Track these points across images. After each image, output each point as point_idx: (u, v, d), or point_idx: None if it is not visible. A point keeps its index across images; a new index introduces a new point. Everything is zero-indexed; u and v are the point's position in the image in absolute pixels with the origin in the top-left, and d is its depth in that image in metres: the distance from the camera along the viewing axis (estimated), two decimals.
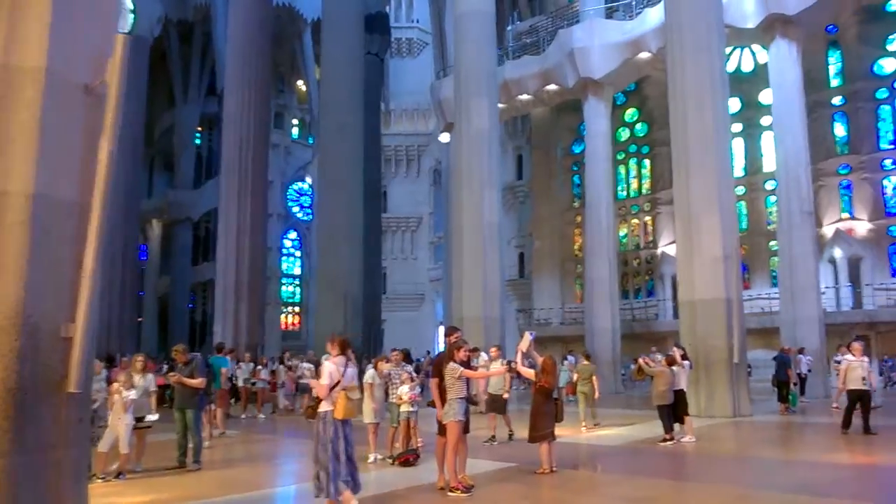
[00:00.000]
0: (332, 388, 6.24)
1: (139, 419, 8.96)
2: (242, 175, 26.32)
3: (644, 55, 23.91)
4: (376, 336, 27.47)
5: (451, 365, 7.16)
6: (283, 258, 44.09)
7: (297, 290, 44.55)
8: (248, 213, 26.09)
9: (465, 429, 7.35)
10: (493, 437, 11.11)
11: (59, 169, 4.62)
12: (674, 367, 11.26)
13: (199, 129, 45.10)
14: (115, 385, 8.62)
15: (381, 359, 10.07)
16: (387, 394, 9.69)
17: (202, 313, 42.35)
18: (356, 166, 23.39)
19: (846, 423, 11.61)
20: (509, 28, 30.54)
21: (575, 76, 24.94)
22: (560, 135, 33.39)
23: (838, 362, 14.15)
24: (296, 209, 45.19)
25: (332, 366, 6.30)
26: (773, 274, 26.44)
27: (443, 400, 7.25)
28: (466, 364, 7.51)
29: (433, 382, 7.53)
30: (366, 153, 27.67)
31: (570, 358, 22.42)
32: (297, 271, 44.64)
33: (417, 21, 44.45)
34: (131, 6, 36.44)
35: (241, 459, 10.76)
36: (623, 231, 32.41)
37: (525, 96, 27.37)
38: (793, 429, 13.55)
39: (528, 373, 8.35)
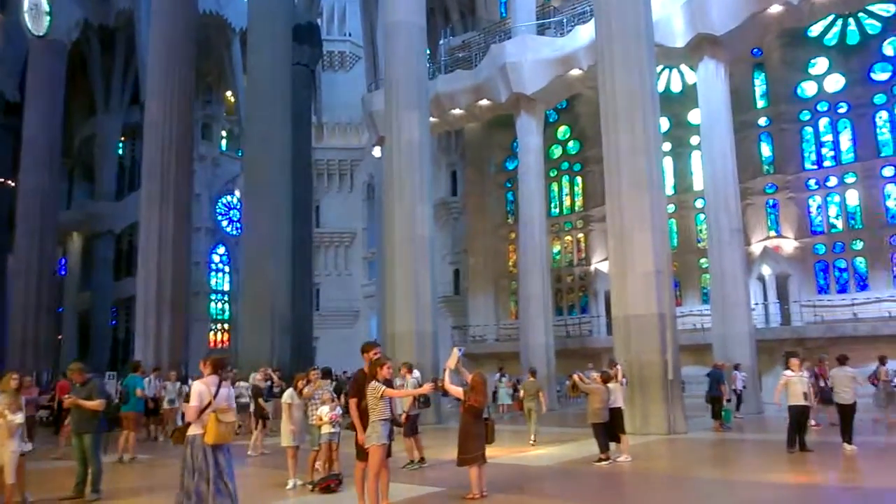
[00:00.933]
0: (202, 411, 5.66)
1: None
2: (165, 185, 25.12)
3: (575, 72, 24.10)
4: (307, 354, 26.55)
5: (374, 384, 6.60)
6: (212, 273, 42.59)
7: (227, 306, 43.06)
8: (170, 224, 24.87)
9: (388, 452, 6.83)
10: (415, 460, 10.50)
11: None
12: (609, 385, 10.99)
13: (123, 138, 43.27)
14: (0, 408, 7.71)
15: (301, 378, 9.39)
16: (306, 414, 9.06)
17: (125, 330, 40.36)
18: (283, 178, 22.63)
19: (791, 442, 11.24)
20: (441, 42, 30.41)
21: (507, 91, 24.93)
22: (493, 151, 33.38)
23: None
24: (224, 223, 43.76)
25: (202, 386, 5.73)
26: (704, 291, 26.91)
27: (364, 422, 6.71)
28: (389, 383, 6.98)
29: (352, 403, 6.98)
30: (295, 166, 26.91)
31: (507, 376, 22.19)
32: (227, 287, 43.17)
33: (350, 35, 43.95)
34: (47, 8, 34.72)
35: (146, 488, 9.87)
36: (556, 248, 32.53)
37: (458, 111, 27.22)
38: (729, 446, 13.45)
39: (457, 391, 7.88)
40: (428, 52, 31.63)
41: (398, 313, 17.57)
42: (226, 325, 42.83)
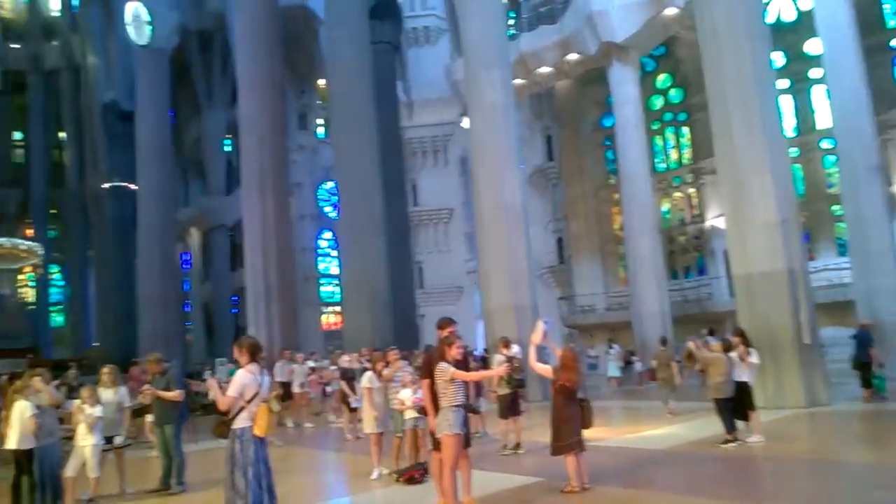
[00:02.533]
0: (249, 401, 5.12)
1: (110, 439, 8.09)
2: (262, 176, 25.62)
3: (670, 11, 22.07)
4: (411, 332, 26.35)
5: (442, 366, 5.84)
6: (320, 258, 43.52)
7: (337, 289, 43.89)
8: (271, 213, 25.34)
9: (466, 442, 6.05)
10: (508, 445, 9.66)
11: None
12: (731, 354, 9.47)
13: (228, 135, 44.82)
14: (77, 402, 7.65)
15: (380, 359, 8.78)
16: (388, 399, 8.48)
17: (245, 318, 42.14)
18: (371, 160, 22.22)
19: None
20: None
21: (596, 42, 23.23)
22: (588, 109, 31.61)
23: None
24: (328, 209, 44.47)
25: (247, 375, 5.17)
26: (840, 242, 24.22)
27: (436, 407, 5.98)
28: (463, 364, 6.18)
29: (424, 385, 6.25)
30: (385, 146, 26.61)
31: (616, 346, 20.97)
32: (335, 271, 43.96)
33: (434, 8, 42.99)
34: (148, 18, 36.12)
35: None
36: (666, 206, 30.47)
37: (545, 69, 25.73)
38: (884, 420, 11.38)
39: (545, 370, 6.98)
40: (512, 15, 30.54)
41: (493, 287, 16.75)
42: (337, 308, 43.70)
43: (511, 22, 29.19)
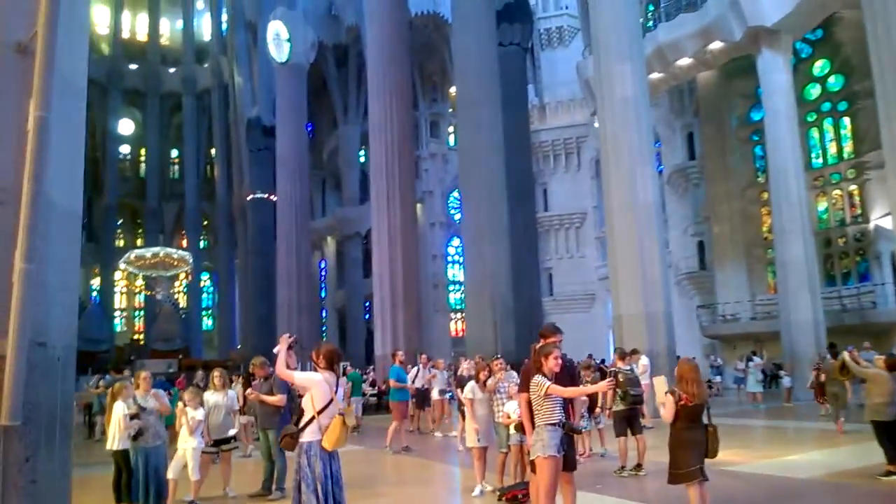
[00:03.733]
0: (320, 411, 4.67)
1: (220, 441, 8.05)
2: (390, 184, 26.09)
3: None
4: (537, 341, 25.47)
5: (537, 379, 5.11)
6: (449, 265, 43.69)
7: (465, 296, 43.85)
8: (398, 220, 25.74)
9: (569, 465, 5.28)
10: (626, 466, 8.68)
11: None
12: None
13: (362, 147, 46.26)
14: (180, 405, 7.67)
15: (483, 368, 8.15)
16: (493, 411, 7.82)
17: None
18: (496, 164, 21.74)
19: None
20: None
21: (742, 27, 21.25)
22: (733, 102, 29.24)
23: None
24: (458, 216, 44.55)
25: (323, 384, 4.74)
26: None
27: (533, 424, 5.27)
28: (565, 378, 5.37)
29: (521, 399, 5.55)
30: (513, 150, 26.13)
31: (756, 358, 19.02)
32: (463, 278, 43.96)
33: (566, 7, 41.98)
34: (287, 36, 37.94)
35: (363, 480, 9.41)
36: (822, 205, 27.54)
37: (685, 61, 23.94)
38: None
39: (658, 384, 6.03)
40: (651, 8, 28.93)
41: (623, 293, 15.61)
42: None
43: (648, 14, 27.71)
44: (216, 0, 51.09)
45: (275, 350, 4.95)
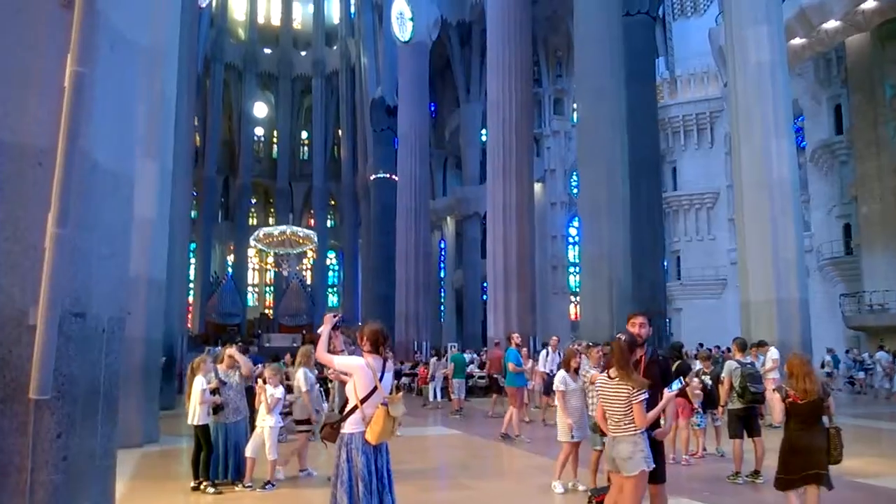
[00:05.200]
0: (363, 401, 4.22)
1: (302, 421, 7.98)
2: (507, 161, 25.60)
3: None
4: (659, 326, 24.14)
5: (606, 377, 4.45)
6: (569, 246, 42.61)
7: None
8: (513, 198, 25.21)
9: (658, 476, 4.56)
10: (740, 472, 7.74)
11: (20, 105, 3.43)
12: None
13: (484, 126, 45.88)
14: (260, 382, 7.61)
15: (574, 356, 7.49)
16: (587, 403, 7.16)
17: None
18: (617, 137, 20.52)
19: None
20: None
21: None
22: (888, 69, 26.04)
23: None
24: None
25: (367, 361, 4.29)
26: None
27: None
28: (660, 376, 4.65)
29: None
30: (638, 125, 24.70)
31: (882, 353, 17.00)
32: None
33: None
34: (410, 14, 38.07)
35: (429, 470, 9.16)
36: None
37: (832, 24, 21.52)
38: None
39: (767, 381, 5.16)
40: None
41: (753, 277, 14.27)
42: None
43: None
44: None
45: (319, 330, 4.61)
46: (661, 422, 4.52)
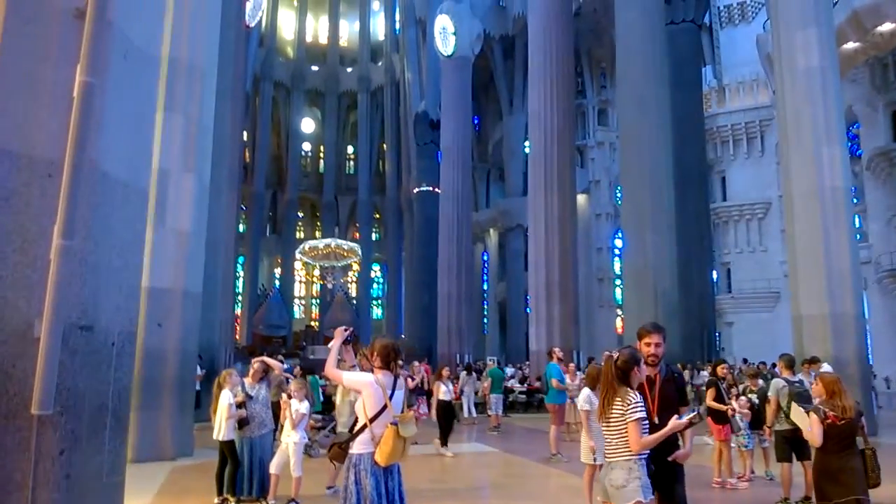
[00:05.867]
0: (372, 419, 4.03)
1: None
2: (548, 173, 25.43)
3: None
4: (707, 341, 23.46)
5: (626, 394, 3.89)
6: (615, 259, 41.90)
7: None
8: (555, 210, 24.97)
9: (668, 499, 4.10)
10: (788, 498, 7.29)
11: (31, 116, 3.45)
12: None
13: (527, 138, 45.68)
14: (284, 397, 7.50)
15: (599, 370, 7.18)
16: None
17: None
18: (660, 147, 20.13)
19: None
20: None
21: None
22: None
23: None
24: None
25: (376, 378, 4.10)
26: None
27: None
28: (676, 393, 4.27)
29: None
30: (684, 134, 24.35)
31: None
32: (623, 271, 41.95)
33: None
34: (453, 29, 38.24)
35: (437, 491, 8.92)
36: None
37: (887, 26, 20.63)
38: None
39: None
40: None
41: (803, 289, 13.68)
42: None
43: None
44: (391, 0, 52.97)
45: (329, 345, 4.47)
46: (681, 443, 4.16)
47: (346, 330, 4.49)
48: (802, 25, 14.50)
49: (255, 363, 7.38)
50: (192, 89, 9.89)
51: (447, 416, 11.83)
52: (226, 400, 6.94)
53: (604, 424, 3.94)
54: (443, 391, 12.20)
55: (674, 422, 3.84)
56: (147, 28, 3.98)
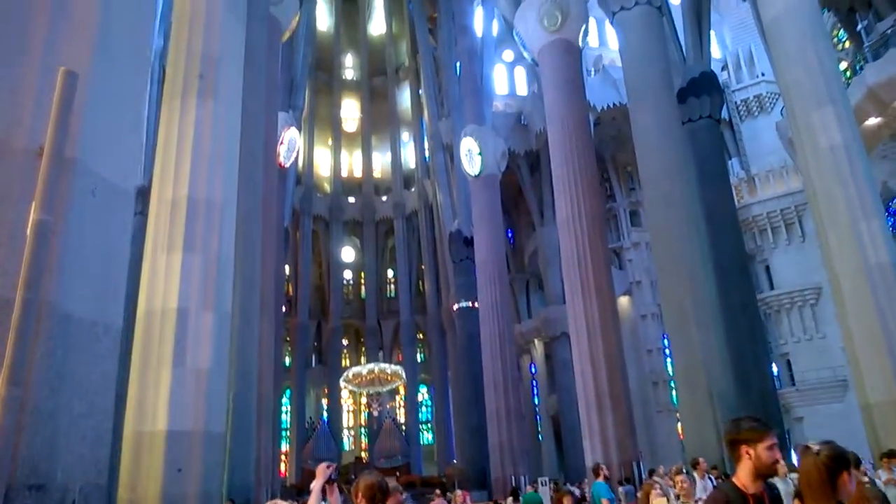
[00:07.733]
0: None
1: None
2: (583, 276, 24.93)
3: None
4: (780, 437, 21.81)
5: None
6: (667, 359, 40.36)
7: None
8: (595, 314, 24.25)
9: None
10: None
11: None
12: None
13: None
14: None
15: (653, 485, 6.56)
16: None
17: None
18: (694, 241, 19.74)
19: None
20: (860, 28, 24.05)
21: None
22: None
23: None
24: None
25: None
26: None
27: None
28: None
29: None
30: (717, 226, 24.03)
31: None
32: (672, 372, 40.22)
33: (762, 74, 39.27)
34: (478, 150, 39.47)
35: None
36: None
37: None
38: None
39: None
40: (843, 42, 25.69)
41: (868, 375, 12.72)
42: None
43: (844, 65, 24.63)
44: (419, 131, 55.42)
45: (312, 485, 4.09)
46: None
47: (328, 467, 4.12)
48: (818, 105, 14.40)
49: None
50: (211, 225, 10.06)
51: None
52: None
53: None
54: None
55: None
56: (120, 163, 3.96)
